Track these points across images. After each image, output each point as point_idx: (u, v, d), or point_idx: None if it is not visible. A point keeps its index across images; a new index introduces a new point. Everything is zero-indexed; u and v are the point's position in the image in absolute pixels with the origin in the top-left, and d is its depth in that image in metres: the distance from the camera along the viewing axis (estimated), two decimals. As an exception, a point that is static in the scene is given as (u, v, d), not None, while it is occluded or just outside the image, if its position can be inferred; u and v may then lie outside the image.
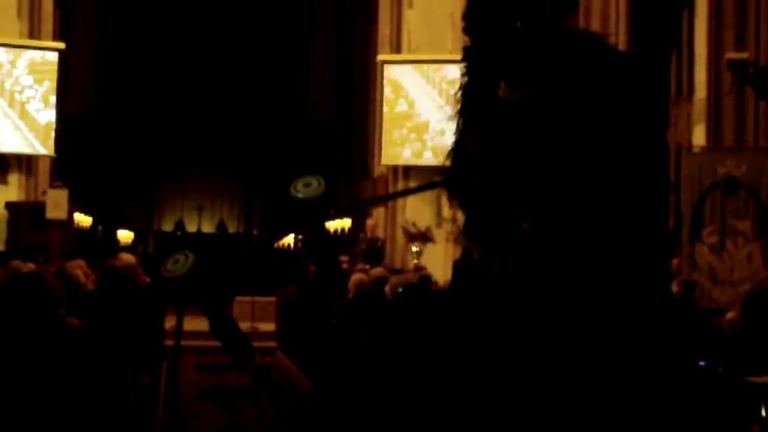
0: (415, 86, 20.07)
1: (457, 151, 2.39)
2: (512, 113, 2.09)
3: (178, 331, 2.41)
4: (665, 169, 2.25)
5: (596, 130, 2.12)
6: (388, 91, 20.22)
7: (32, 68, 19.49)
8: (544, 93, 2.09)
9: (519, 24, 2.02)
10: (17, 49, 19.33)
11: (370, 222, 18.79)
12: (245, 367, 2.36)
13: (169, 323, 11.83)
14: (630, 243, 2.14)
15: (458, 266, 2.36)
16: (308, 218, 2.28)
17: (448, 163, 2.42)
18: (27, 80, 19.51)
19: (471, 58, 2.37)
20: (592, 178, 2.11)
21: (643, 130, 2.17)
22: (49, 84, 19.62)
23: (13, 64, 19.35)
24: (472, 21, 2.30)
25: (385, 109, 20.27)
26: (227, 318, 2.32)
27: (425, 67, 19.99)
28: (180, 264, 2.27)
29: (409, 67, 20.18)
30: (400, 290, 8.16)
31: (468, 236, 2.31)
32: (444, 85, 19.54)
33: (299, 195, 2.27)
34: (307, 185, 2.28)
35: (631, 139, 2.14)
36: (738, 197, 12.31)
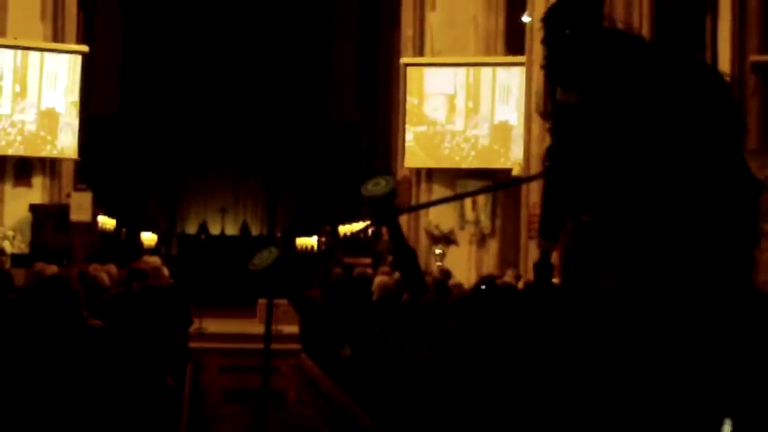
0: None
1: (551, 151, 2.47)
2: (571, 115, 2.13)
3: (267, 329, 2.62)
4: (745, 166, 2.28)
5: (664, 127, 2.13)
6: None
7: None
8: (600, 93, 2.11)
9: (567, 31, 2.05)
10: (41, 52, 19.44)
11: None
12: (416, 299, 2.66)
13: (193, 326, 11.85)
14: (711, 238, 2.17)
15: (538, 267, 2.50)
16: (376, 214, 2.45)
17: (547, 163, 2.52)
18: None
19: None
20: (663, 176, 2.13)
21: (715, 128, 2.19)
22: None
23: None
24: (551, 19, 2.35)
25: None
26: (411, 253, 2.48)
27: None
28: (264, 258, 2.50)
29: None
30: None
31: (544, 236, 2.42)
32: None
33: (366, 194, 2.46)
34: (376, 184, 2.45)
35: (704, 136, 2.16)
36: (763, 200, 12.24)
